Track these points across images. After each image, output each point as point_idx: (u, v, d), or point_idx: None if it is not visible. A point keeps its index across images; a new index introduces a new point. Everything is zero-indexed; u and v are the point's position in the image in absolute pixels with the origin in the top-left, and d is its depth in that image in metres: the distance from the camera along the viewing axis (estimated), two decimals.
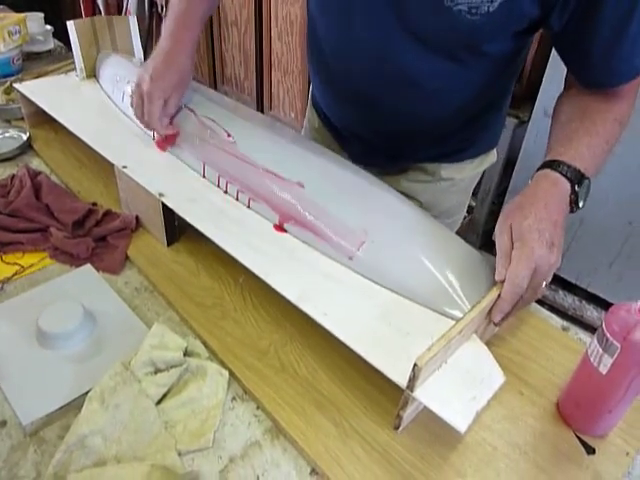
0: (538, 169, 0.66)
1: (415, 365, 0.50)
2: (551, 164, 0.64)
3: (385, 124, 0.87)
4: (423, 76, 0.76)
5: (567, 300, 1.88)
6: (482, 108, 0.86)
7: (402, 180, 0.97)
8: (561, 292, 1.89)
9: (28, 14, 1.57)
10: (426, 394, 0.53)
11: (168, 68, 0.84)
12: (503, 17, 0.64)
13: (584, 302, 1.87)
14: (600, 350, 0.55)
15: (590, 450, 0.59)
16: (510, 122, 1.84)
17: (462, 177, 0.97)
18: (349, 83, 0.83)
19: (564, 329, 0.75)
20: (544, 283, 0.60)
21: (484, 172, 1.03)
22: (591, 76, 0.71)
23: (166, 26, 0.87)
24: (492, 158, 1.01)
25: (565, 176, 0.63)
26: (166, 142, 0.90)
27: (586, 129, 0.67)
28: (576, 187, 0.63)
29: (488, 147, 0.98)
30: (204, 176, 0.85)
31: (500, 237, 0.61)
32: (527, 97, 1.81)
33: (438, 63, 0.74)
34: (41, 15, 1.65)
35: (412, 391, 0.52)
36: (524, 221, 0.59)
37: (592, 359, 0.56)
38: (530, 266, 0.57)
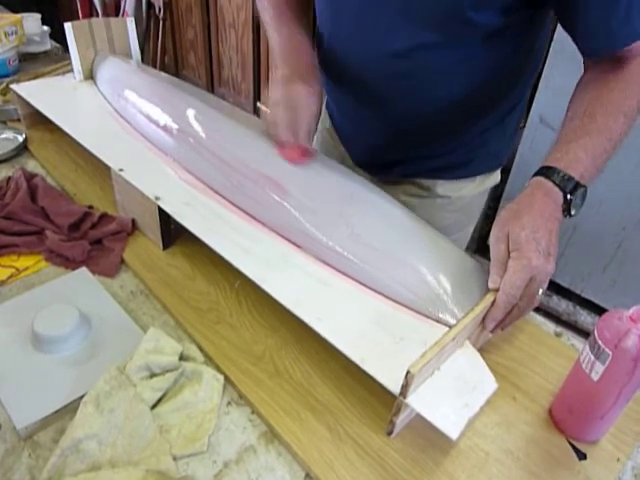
0: (535, 174, 0.65)
1: (408, 372, 0.50)
2: (546, 172, 0.64)
3: (379, 116, 0.86)
4: (413, 53, 0.75)
5: (561, 305, 1.89)
6: (479, 112, 0.84)
7: (399, 194, 0.95)
8: (555, 297, 1.90)
9: (25, 15, 1.57)
10: (419, 401, 0.53)
11: (298, 58, 0.79)
12: None
13: (578, 307, 1.88)
14: (592, 357, 0.55)
15: (581, 456, 0.59)
16: None
17: (459, 196, 0.95)
18: (345, 70, 0.84)
19: (557, 335, 0.75)
20: (540, 292, 0.61)
21: None
22: (593, 41, 0.69)
23: (270, 27, 0.84)
24: (495, 179, 0.99)
25: (558, 186, 0.63)
26: (302, 151, 0.78)
27: (585, 128, 0.66)
28: (568, 196, 0.63)
29: (489, 168, 0.96)
30: (201, 180, 0.85)
31: (496, 245, 0.61)
32: None
33: (425, 37, 0.73)
34: (38, 16, 1.64)
35: (405, 398, 0.53)
36: (522, 231, 0.59)
37: (584, 366, 0.56)
38: (526, 277, 0.58)
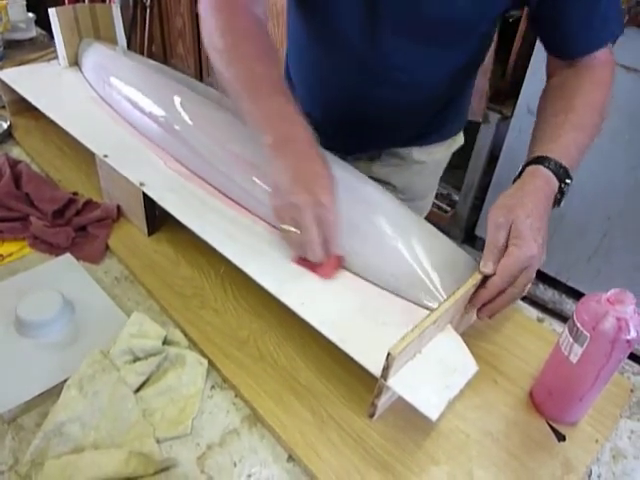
0: (529, 163, 0.66)
1: (389, 354, 0.51)
2: (543, 161, 0.65)
3: (363, 112, 0.88)
4: (416, 65, 0.79)
5: (547, 294, 1.91)
6: (457, 91, 0.90)
7: (374, 166, 1.00)
8: (541, 286, 1.92)
9: (10, 1, 1.54)
10: (400, 383, 0.54)
11: (310, 154, 0.64)
12: None
13: (563, 296, 1.90)
14: (571, 340, 0.56)
15: (561, 437, 0.60)
16: (493, 118, 1.86)
17: (432, 159, 1.01)
18: (336, 75, 0.86)
19: (539, 320, 0.76)
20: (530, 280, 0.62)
21: (467, 167, 1.06)
22: (568, 46, 0.75)
23: (254, 103, 0.66)
24: (460, 140, 1.05)
25: (556, 175, 0.64)
26: (336, 264, 0.67)
27: (572, 123, 0.68)
28: (562, 186, 0.65)
29: (457, 130, 1.03)
30: (186, 166, 0.85)
31: (496, 231, 0.61)
32: (510, 93, 1.83)
33: (425, 52, 0.77)
34: (23, 2, 1.62)
35: (386, 380, 0.53)
36: (527, 219, 0.60)
37: (563, 348, 0.57)
38: (523, 265, 0.59)
